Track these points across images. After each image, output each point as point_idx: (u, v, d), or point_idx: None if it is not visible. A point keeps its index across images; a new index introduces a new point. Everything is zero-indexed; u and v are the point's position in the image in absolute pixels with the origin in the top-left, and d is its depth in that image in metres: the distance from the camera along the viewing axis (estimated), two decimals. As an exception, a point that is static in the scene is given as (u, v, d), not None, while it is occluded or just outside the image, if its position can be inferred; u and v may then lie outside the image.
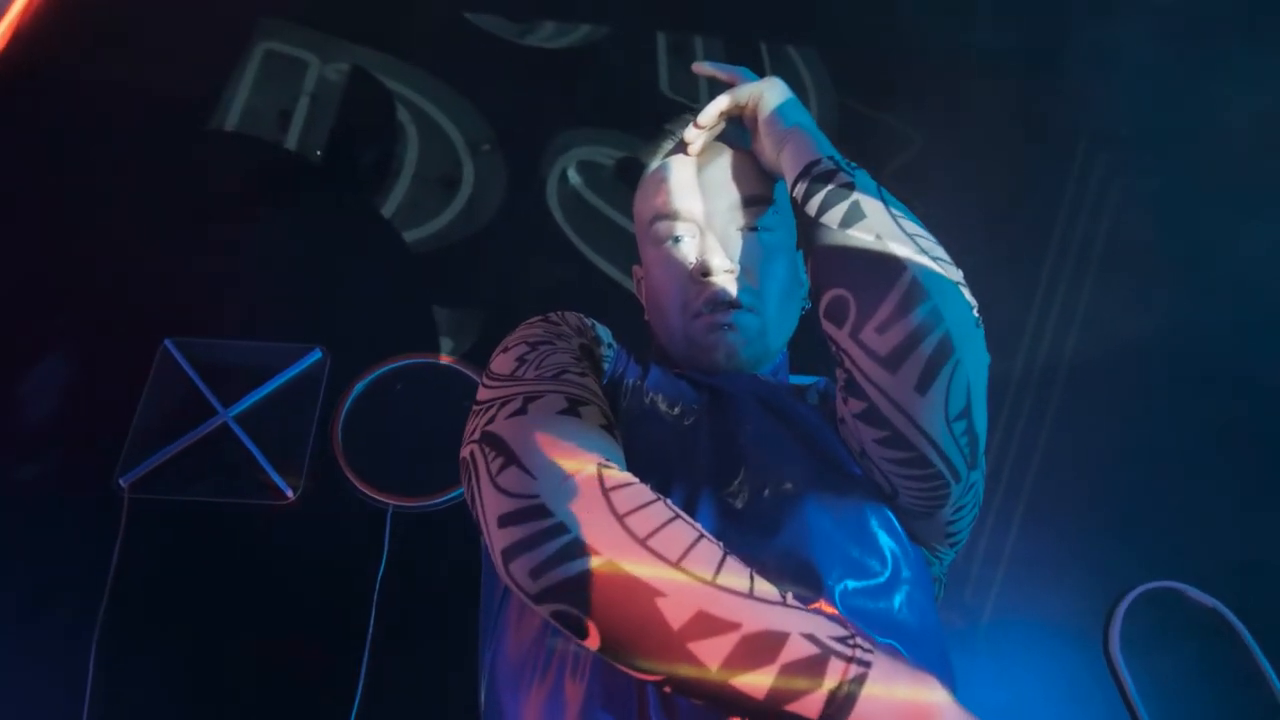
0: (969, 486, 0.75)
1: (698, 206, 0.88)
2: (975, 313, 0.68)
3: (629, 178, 2.15)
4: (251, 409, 1.74)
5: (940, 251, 0.69)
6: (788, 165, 0.80)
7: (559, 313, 0.88)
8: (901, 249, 0.67)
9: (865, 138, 2.30)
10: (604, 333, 0.90)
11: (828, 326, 0.71)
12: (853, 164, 0.76)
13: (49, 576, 1.57)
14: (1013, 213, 2.17)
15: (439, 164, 2.13)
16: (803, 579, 0.70)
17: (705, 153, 0.92)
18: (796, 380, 0.97)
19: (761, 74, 0.89)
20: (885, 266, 0.66)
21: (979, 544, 1.75)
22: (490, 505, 0.62)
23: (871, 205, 0.70)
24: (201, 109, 2.13)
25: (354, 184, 2.10)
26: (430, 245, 2.00)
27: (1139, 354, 2.00)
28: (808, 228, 0.74)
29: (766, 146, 0.85)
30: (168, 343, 1.76)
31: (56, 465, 1.66)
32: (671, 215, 0.89)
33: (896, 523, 0.78)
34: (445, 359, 1.85)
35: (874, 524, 0.77)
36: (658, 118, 2.33)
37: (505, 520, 0.60)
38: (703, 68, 0.94)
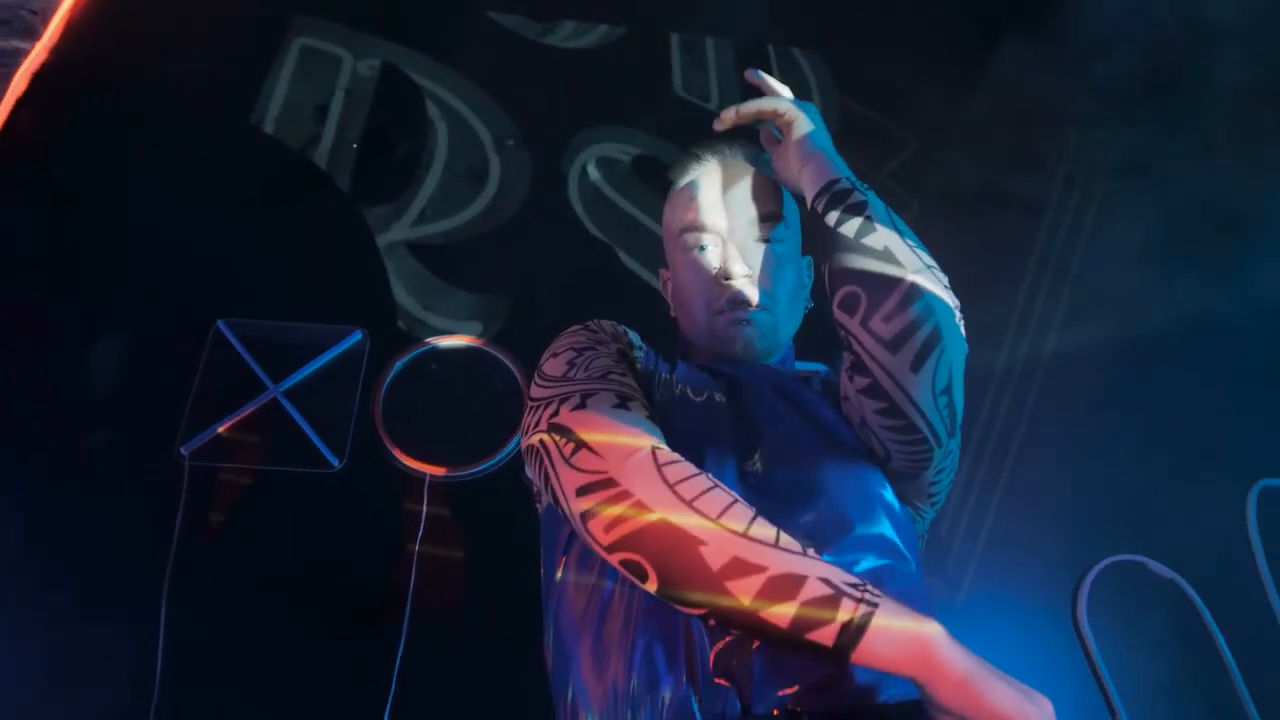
0: (948, 452, 0.90)
1: (721, 221, 1.01)
2: (958, 311, 0.83)
3: (644, 173, 2.23)
4: (299, 385, 1.81)
5: (932, 261, 0.84)
6: (809, 181, 0.92)
7: (595, 321, 1.02)
8: (904, 258, 0.81)
9: (864, 137, 2.37)
10: (634, 337, 1.04)
11: (840, 315, 0.86)
12: (865, 185, 0.89)
13: (119, 538, 1.63)
14: (1000, 215, 2.23)
15: (467, 158, 2.18)
16: (814, 533, 0.82)
17: (728, 173, 1.04)
18: (802, 367, 1.09)
19: (768, 73, 1.03)
20: (891, 271, 0.81)
21: (960, 521, 1.84)
22: (567, 479, 0.77)
23: (880, 222, 0.84)
24: (244, 101, 2.17)
25: (387, 177, 2.13)
26: (460, 236, 2.07)
27: (1112, 349, 2.07)
28: (826, 236, 0.87)
29: (790, 160, 0.96)
30: (220, 324, 1.83)
31: (122, 435, 1.73)
32: (699, 228, 1.02)
33: (888, 484, 0.91)
34: (476, 341, 1.92)
35: (870, 484, 0.90)
36: (672, 116, 2.42)
37: (582, 491, 0.75)
38: (754, 76, 1.04)
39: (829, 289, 0.88)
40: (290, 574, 1.66)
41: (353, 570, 1.69)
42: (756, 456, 0.91)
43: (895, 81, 2.42)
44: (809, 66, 2.48)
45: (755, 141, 1.10)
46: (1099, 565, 1.79)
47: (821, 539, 0.84)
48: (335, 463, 1.74)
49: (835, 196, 0.87)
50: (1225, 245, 2.18)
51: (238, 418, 1.75)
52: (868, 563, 0.85)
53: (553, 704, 0.87)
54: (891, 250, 0.82)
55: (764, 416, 0.96)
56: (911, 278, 0.81)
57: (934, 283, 0.82)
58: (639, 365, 0.99)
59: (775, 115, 0.98)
